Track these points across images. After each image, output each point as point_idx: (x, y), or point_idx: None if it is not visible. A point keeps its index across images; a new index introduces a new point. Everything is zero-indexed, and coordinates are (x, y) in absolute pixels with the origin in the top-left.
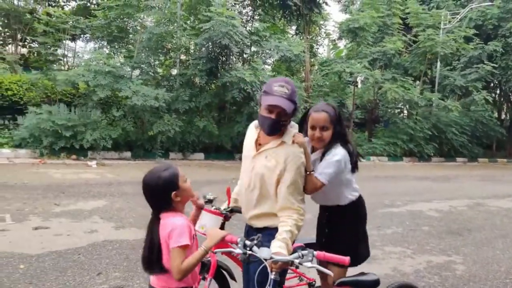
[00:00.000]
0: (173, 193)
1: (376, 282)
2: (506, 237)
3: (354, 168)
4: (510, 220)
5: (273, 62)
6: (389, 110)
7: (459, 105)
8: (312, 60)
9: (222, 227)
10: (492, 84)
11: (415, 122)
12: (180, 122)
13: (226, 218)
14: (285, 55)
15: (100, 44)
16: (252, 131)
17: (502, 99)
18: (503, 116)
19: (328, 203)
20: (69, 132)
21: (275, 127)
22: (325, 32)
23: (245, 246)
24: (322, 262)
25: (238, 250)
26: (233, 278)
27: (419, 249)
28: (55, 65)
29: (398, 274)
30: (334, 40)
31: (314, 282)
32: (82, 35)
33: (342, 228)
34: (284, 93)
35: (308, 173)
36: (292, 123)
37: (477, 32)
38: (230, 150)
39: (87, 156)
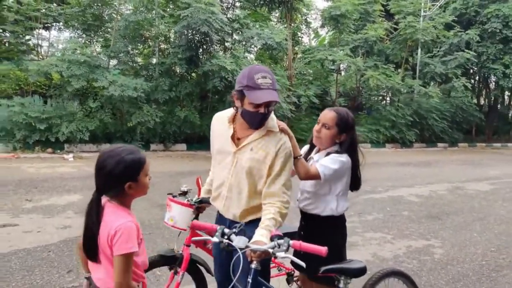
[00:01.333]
0: (129, 183)
1: (363, 269)
2: (483, 220)
3: (354, 185)
4: (488, 203)
5: (255, 50)
6: (372, 98)
7: (440, 91)
8: (295, 48)
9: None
10: (471, 71)
11: (397, 109)
12: (160, 112)
13: (199, 209)
14: (267, 43)
15: (75, 33)
16: (223, 126)
17: (480, 85)
18: (481, 102)
19: (308, 208)
20: (43, 124)
21: (264, 121)
22: (305, 20)
23: (223, 234)
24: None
25: (214, 239)
26: (209, 272)
27: (399, 234)
28: (28, 56)
29: (378, 260)
30: (316, 28)
31: (293, 272)
32: (55, 24)
33: (317, 235)
34: (270, 84)
35: (296, 158)
36: None
37: (459, 19)
38: None
39: (63, 149)
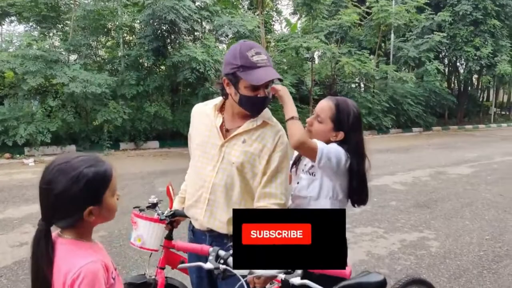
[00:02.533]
0: (90, 208)
1: (383, 283)
2: (471, 205)
3: (359, 198)
4: (472, 187)
5: (227, 39)
6: (347, 85)
7: (414, 76)
8: (267, 36)
9: (169, 237)
10: (440, 55)
11: (372, 95)
12: (128, 108)
13: (173, 223)
14: (239, 31)
15: (30, 27)
16: (207, 117)
17: (450, 69)
18: (452, 85)
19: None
20: None
21: (267, 105)
22: (275, 9)
23: (218, 257)
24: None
25: (208, 265)
26: None
27: (390, 227)
28: None
29: (373, 259)
30: (287, 15)
31: None
32: (7, 17)
33: None
34: (266, 60)
35: (291, 118)
36: None
37: (430, 2)
38: (187, 136)
39: (23, 153)
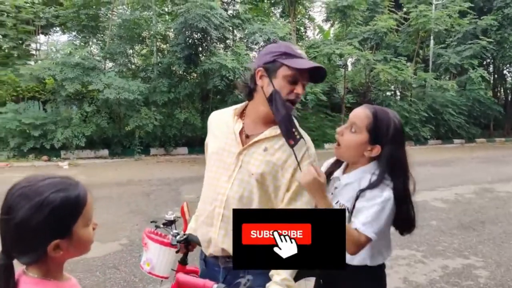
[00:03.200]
0: (55, 242)
1: None
2: None
3: (402, 224)
4: None
5: (258, 47)
6: (381, 93)
7: (455, 84)
8: (299, 43)
9: (183, 261)
10: (484, 62)
11: (409, 104)
12: (160, 115)
13: (188, 247)
14: (270, 38)
15: (73, 36)
16: (225, 123)
17: (496, 76)
18: (498, 94)
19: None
20: (38, 131)
21: (294, 106)
22: (308, 16)
23: None
24: None
25: None
26: None
27: (430, 250)
28: (28, 61)
29: (411, 287)
30: (320, 22)
31: None
32: (53, 28)
33: None
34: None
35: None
36: None
37: (474, 5)
38: None
39: (59, 156)
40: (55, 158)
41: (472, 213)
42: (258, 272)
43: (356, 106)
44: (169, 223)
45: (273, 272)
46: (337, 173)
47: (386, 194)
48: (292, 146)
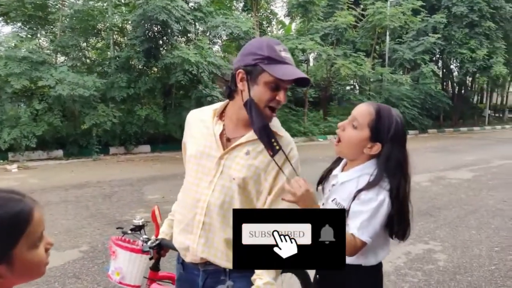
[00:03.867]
0: (27, 229)
1: None
2: (476, 213)
3: (397, 232)
4: (474, 193)
5: (221, 41)
6: (342, 88)
7: (409, 78)
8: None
9: (155, 267)
10: (434, 58)
11: (368, 98)
12: (118, 112)
13: (160, 252)
14: (233, 32)
15: (18, 27)
16: (204, 123)
17: (445, 71)
18: (446, 88)
19: None
20: None
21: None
22: (271, 11)
23: None
24: None
25: None
26: None
27: None
28: None
29: None
30: (281, 17)
31: None
32: None
33: None
34: (292, 61)
35: None
36: None
37: (426, 4)
38: (180, 140)
39: (7, 158)
40: (1, 161)
41: (428, 200)
42: (239, 275)
43: (319, 101)
44: (138, 228)
45: (255, 276)
46: (336, 170)
47: (381, 197)
48: (272, 156)
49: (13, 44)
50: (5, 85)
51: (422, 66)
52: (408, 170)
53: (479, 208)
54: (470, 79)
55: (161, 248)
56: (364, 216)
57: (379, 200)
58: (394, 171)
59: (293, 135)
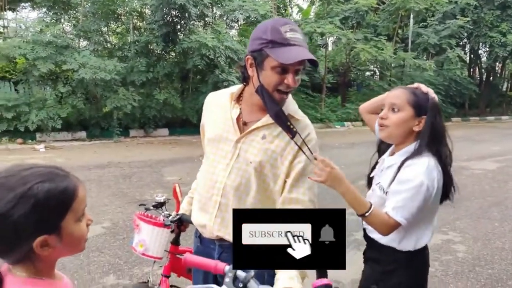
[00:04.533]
0: (41, 239)
1: None
2: (500, 205)
3: (445, 196)
4: (499, 185)
5: (238, 25)
6: (361, 73)
7: (433, 64)
8: None
9: (176, 242)
10: (461, 42)
11: (389, 84)
12: (138, 95)
13: (180, 227)
14: (251, 16)
15: (43, 13)
16: (222, 108)
17: (472, 56)
18: (473, 74)
19: (373, 234)
20: (10, 113)
21: (285, 98)
22: None
23: (235, 279)
24: None
25: None
26: None
27: None
28: None
29: None
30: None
31: None
32: (21, 3)
33: (385, 279)
34: (301, 39)
35: (363, 215)
36: None
37: None
38: (196, 124)
39: (35, 139)
40: (30, 141)
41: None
42: None
43: (337, 86)
44: (159, 205)
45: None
46: (385, 155)
47: (419, 179)
48: (292, 138)
49: (39, 29)
50: (33, 68)
51: (447, 51)
52: (446, 136)
53: (503, 200)
54: (500, 65)
55: (181, 223)
56: (401, 196)
57: (416, 182)
58: (438, 137)
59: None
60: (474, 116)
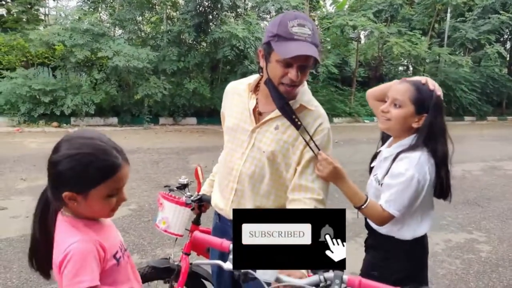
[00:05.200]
0: (68, 193)
1: None
2: None
3: (442, 193)
4: None
5: (270, 17)
6: (394, 68)
7: (470, 60)
8: (312, 14)
9: (196, 222)
10: (502, 38)
11: None
12: (168, 84)
13: (201, 208)
14: (283, 8)
15: (81, 1)
16: (240, 97)
17: None
18: None
19: (374, 225)
20: (48, 97)
21: (294, 91)
22: None
23: None
24: None
25: (228, 265)
26: None
27: (434, 224)
28: (37, 26)
29: None
30: None
31: None
32: None
33: (385, 266)
34: (308, 35)
35: (360, 207)
36: None
37: None
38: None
39: (69, 123)
40: (65, 125)
41: (478, 190)
42: None
43: (368, 81)
44: (183, 187)
45: None
46: (383, 147)
47: (409, 173)
48: (297, 130)
49: (77, 17)
50: (70, 55)
51: (486, 47)
52: (446, 133)
53: None
54: None
55: (202, 203)
56: (393, 190)
57: (407, 176)
58: (435, 134)
59: (337, 115)
60: (511, 115)
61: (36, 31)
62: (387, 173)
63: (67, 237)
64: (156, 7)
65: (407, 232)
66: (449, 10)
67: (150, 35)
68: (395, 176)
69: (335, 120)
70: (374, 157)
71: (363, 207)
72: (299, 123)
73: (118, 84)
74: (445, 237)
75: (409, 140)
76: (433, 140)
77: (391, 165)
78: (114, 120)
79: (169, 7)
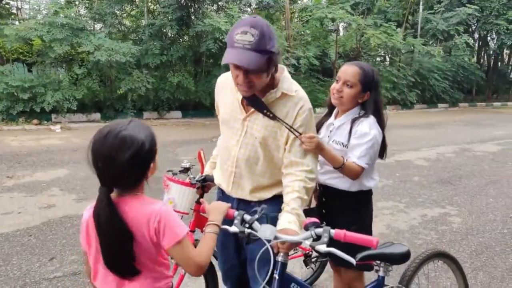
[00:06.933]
0: (153, 164)
1: (407, 254)
2: (496, 183)
3: (383, 152)
4: (498, 165)
5: (251, 10)
6: (371, 58)
7: (441, 49)
8: (292, 7)
9: (200, 201)
10: (470, 29)
11: (398, 69)
12: (152, 78)
13: (204, 188)
14: (263, 1)
15: None
16: (229, 89)
17: (480, 43)
18: (481, 61)
19: (332, 183)
20: (26, 94)
21: (249, 90)
22: None
23: (243, 221)
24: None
25: (233, 228)
26: None
27: (412, 202)
28: (9, 21)
29: (393, 232)
30: None
31: (310, 253)
32: None
33: (342, 214)
34: (248, 42)
35: (340, 167)
36: (281, 66)
37: None
38: (209, 107)
39: (50, 120)
40: (45, 122)
41: (450, 170)
42: (269, 203)
43: None
44: (185, 170)
45: (284, 205)
46: (331, 119)
47: (373, 132)
48: (273, 121)
49: (53, 11)
50: (48, 50)
51: (455, 38)
52: (382, 107)
53: (500, 179)
54: (508, 52)
55: (206, 183)
56: (362, 148)
57: (371, 135)
58: (379, 109)
59: (319, 106)
60: (481, 102)
61: (11, 26)
62: (349, 136)
63: (148, 207)
64: (136, 0)
65: (371, 182)
66: (421, 3)
67: (131, 29)
68: (362, 136)
69: (317, 110)
70: (320, 127)
71: (342, 166)
72: (271, 115)
73: (100, 79)
74: (422, 212)
75: (355, 110)
76: (377, 111)
77: (351, 129)
78: (97, 116)
79: (149, 0)
